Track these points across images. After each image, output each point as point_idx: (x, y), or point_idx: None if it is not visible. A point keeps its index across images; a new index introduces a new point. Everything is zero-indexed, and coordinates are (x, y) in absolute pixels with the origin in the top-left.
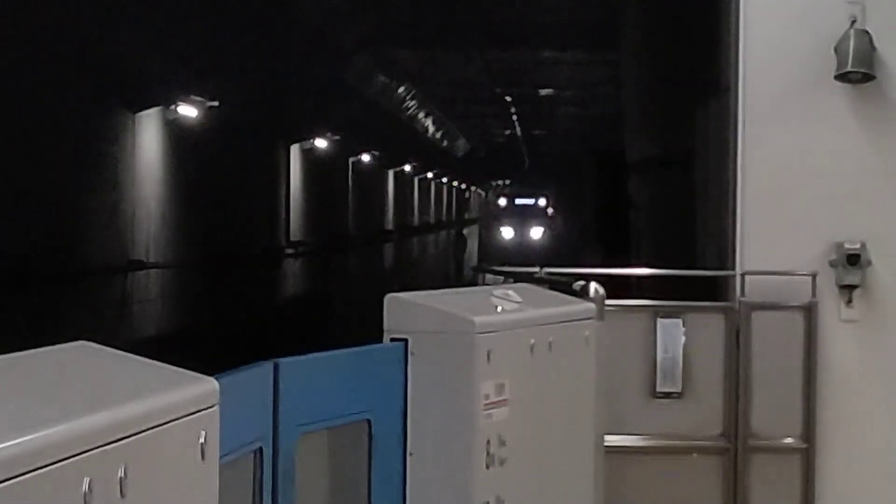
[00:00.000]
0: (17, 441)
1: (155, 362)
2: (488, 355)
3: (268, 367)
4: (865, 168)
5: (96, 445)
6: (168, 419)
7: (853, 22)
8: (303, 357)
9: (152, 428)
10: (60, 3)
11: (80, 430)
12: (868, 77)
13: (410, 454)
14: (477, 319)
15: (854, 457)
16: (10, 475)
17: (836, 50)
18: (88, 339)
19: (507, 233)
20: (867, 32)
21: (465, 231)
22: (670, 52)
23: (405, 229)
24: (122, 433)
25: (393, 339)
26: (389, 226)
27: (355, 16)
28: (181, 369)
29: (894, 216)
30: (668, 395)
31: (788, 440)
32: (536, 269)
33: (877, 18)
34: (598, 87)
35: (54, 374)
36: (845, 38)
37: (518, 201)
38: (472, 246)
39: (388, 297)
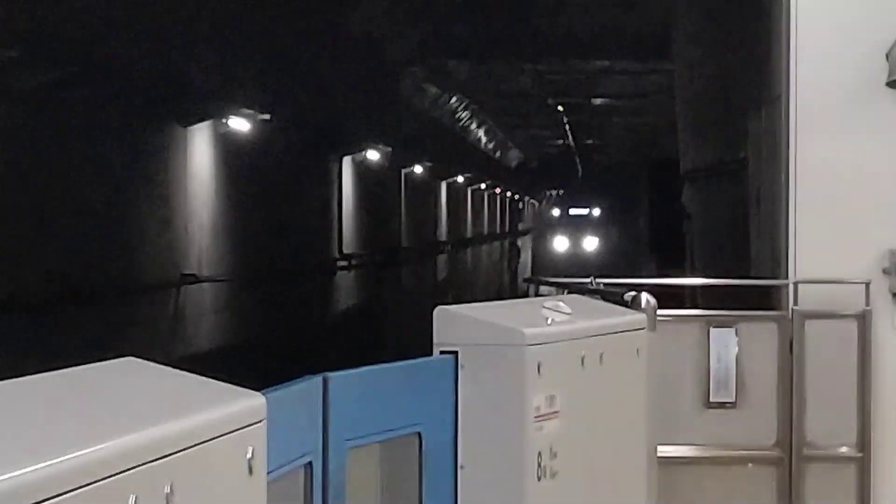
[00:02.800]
0: (63, 458)
1: (202, 378)
2: (539, 367)
3: (317, 381)
4: None
5: (142, 462)
6: (215, 435)
7: None
8: (352, 371)
9: (199, 444)
10: (112, 18)
11: (126, 447)
12: None
13: (461, 467)
14: (527, 331)
15: None
16: (58, 492)
17: (887, 57)
18: (141, 355)
19: (560, 243)
20: None
21: (518, 242)
22: (722, 62)
23: (458, 241)
24: (168, 450)
25: (443, 352)
26: (442, 237)
27: (407, 27)
28: (228, 384)
29: None
30: (721, 404)
31: (843, 449)
32: (588, 280)
33: None
34: (652, 97)
35: (100, 391)
36: None
37: (572, 212)
38: (526, 257)
39: (438, 309)
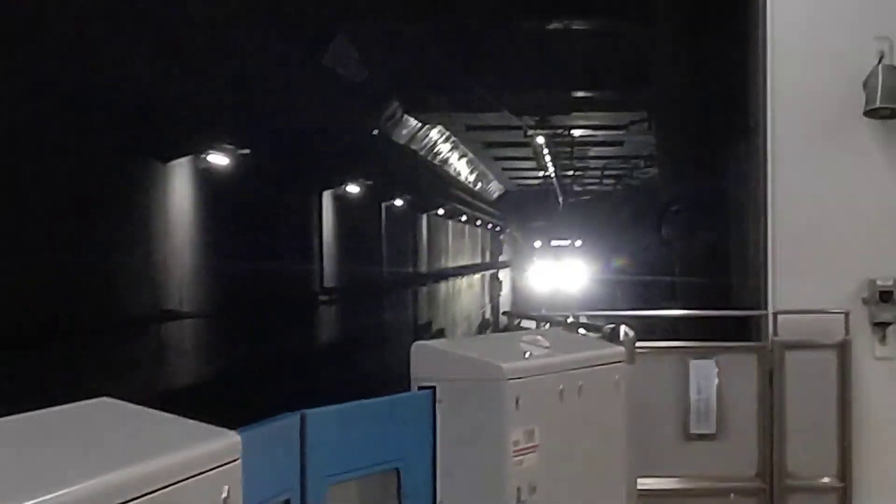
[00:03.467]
0: (37, 500)
1: (176, 417)
2: (517, 402)
3: (294, 418)
4: None
5: (117, 503)
6: (189, 475)
7: (881, 58)
8: (330, 407)
9: (173, 484)
10: (90, 52)
11: (99, 488)
12: None
13: (440, 503)
14: (505, 366)
15: (891, 494)
16: None
17: (864, 86)
18: (120, 392)
19: (541, 275)
20: (895, 67)
21: (499, 274)
22: (701, 92)
23: (439, 273)
24: (142, 490)
25: (421, 388)
26: (423, 270)
27: (385, 60)
28: (203, 424)
29: None
30: (702, 436)
31: (825, 480)
32: (568, 314)
33: None
34: (631, 127)
35: (75, 432)
36: (874, 74)
37: (553, 243)
38: (508, 289)
39: (415, 344)
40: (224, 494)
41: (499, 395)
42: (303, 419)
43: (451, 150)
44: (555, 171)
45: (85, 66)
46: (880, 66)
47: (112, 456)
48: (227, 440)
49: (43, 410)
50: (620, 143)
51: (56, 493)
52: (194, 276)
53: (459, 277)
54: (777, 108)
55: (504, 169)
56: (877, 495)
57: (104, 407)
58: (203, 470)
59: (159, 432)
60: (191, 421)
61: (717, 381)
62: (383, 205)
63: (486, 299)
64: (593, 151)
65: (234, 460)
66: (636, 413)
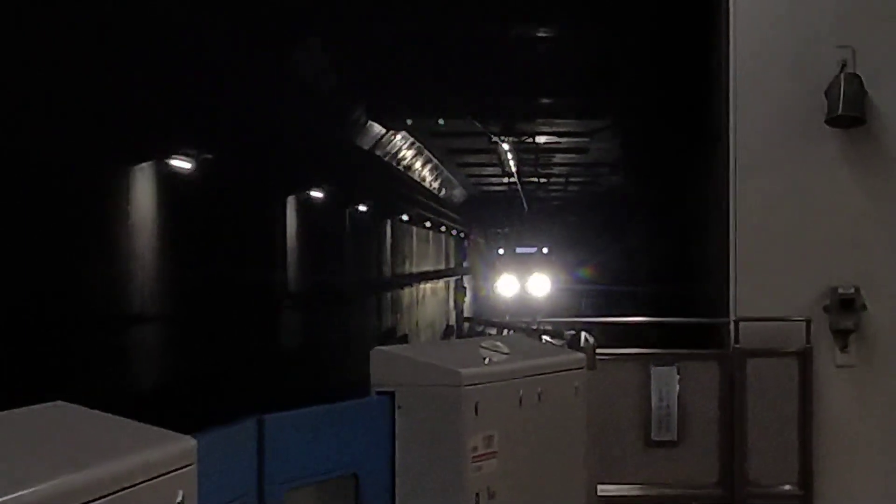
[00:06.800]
0: None
1: (131, 421)
2: (476, 407)
3: (252, 423)
4: (858, 212)
5: None
6: (143, 479)
7: (843, 66)
8: (288, 413)
9: (127, 488)
10: (51, 55)
11: (51, 492)
12: (859, 121)
13: None
14: (463, 371)
15: (851, 502)
16: None
17: (826, 94)
18: (81, 395)
19: (505, 282)
20: (857, 76)
21: (463, 281)
22: (664, 100)
23: (403, 279)
24: (94, 494)
25: (379, 393)
26: (387, 275)
27: (349, 65)
28: (158, 428)
29: (887, 260)
30: (663, 443)
31: (786, 487)
32: (530, 319)
33: (867, 62)
34: (596, 135)
35: (29, 435)
36: (836, 82)
37: (518, 250)
38: (471, 296)
39: (374, 350)
40: (178, 499)
41: (457, 400)
42: (260, 424)
43: (415, 156)
44: (519, 178)
45: (47, 68)
46: (842, 74)
47: (64, 460)
48: (182, 444)
49: None
50: (585, 150)
51: (6, 497)
52: (156, 279)
53: (423, 283)
54: (740, 116)
55: (469, 175)
56: (837, 502)
57: (58, 410)
58: (157, 474)
59: (113, 436)
60: (145, 425)
61: (678, 388)
62: (347, 210)
63: (451, 305)
64: (558, 158)
65: (189, 465)
66: (598, 420)
